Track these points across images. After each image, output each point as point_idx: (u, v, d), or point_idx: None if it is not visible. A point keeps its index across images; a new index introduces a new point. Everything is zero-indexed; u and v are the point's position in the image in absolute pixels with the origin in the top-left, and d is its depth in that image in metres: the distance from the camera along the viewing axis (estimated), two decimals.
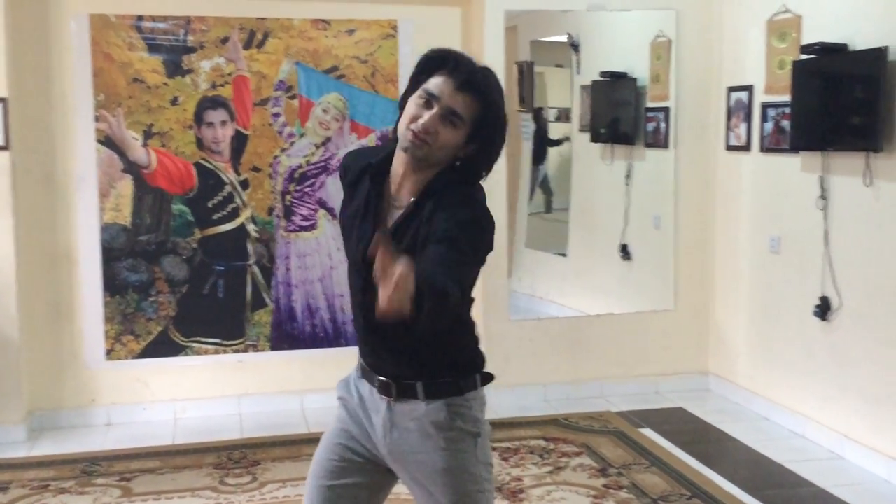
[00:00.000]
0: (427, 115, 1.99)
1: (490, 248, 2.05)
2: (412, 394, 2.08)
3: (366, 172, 2.11)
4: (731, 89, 5.08)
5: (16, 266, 4.51)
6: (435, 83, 2.02)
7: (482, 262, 2.03)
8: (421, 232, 1.98)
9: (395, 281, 1.66)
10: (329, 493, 2.16)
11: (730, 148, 5.13)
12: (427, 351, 2.08)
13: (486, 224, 2.01)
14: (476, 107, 2.02)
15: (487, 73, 2.08)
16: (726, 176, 5.21)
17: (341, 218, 2.19)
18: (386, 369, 2.11)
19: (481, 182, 2.13)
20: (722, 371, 5.32)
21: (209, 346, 4.93)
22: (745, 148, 4.98)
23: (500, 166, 5.01)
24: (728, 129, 5.13)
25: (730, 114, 5.10)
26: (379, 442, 2.14)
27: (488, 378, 2.17)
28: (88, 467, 4.21)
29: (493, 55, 4.99)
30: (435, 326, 1.90)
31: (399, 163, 2.07)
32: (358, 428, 2.18)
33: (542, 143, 6.64)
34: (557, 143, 6.48)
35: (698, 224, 5.38)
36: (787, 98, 4.55)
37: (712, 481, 4.02)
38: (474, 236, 1.97)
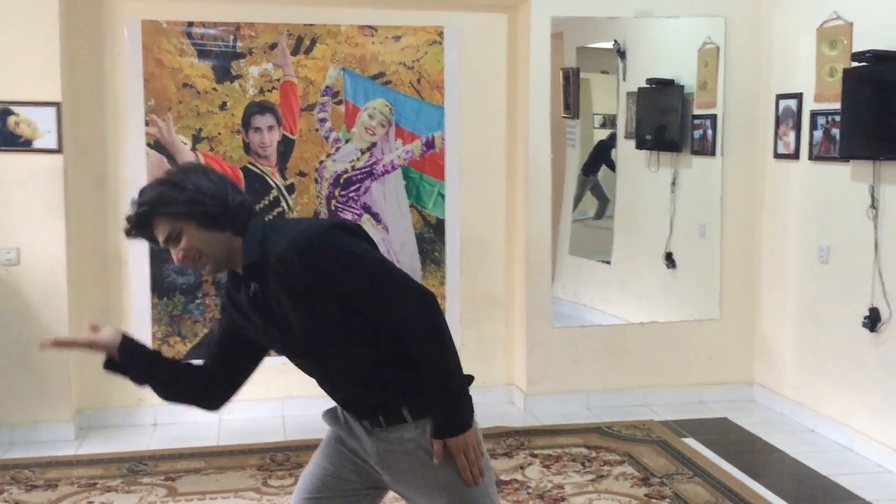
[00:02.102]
0: (174, 256, 2.09)
1: (360, 242, 2.10)
2: (399, 418, 2.12)
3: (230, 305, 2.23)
4: (780, 97, 5.02)
5: (67, 267, 4.60)
6: (156, 237, 2.11)
7: (376, 258, 2.09)
8: (285, 301, 2.06)
9: (473, 460, 2.07)
10: (317, 502, 2.20)
11: (778, 156, 5.07)
12: (395, 376, 2.10)
13: (335, 246, 2.04)
14: (160, 218, 2.06)
15: (140, 193, 2.12)
16: (774, 184, 5.15)
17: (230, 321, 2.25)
18: (365, 407, 2.16)
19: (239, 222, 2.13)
20: (768, 381, 5.26)
21: None
22: (794, 156, 4.92)
23: (544, 173, 5.04)
24: (776, 137, 5.07)
25: (778, 122, 5.04)
26: (373, 463, 2.18)
27: (468, 379, 2.15)
28: (135, 466, 4.27)
29: (538, 62, 4.99)
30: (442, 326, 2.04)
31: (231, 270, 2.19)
32: (350, 453, 2.22)
33: (602, 154, 6.60)
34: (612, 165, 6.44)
35: (745, 233, 5.32)
36: (837, 106, 4.49)
37: (757, 493, 3.96)
38: (340, 258, 2.03)
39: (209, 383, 2.24)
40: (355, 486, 2.22)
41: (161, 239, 2.08)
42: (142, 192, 2.09)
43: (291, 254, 2.00)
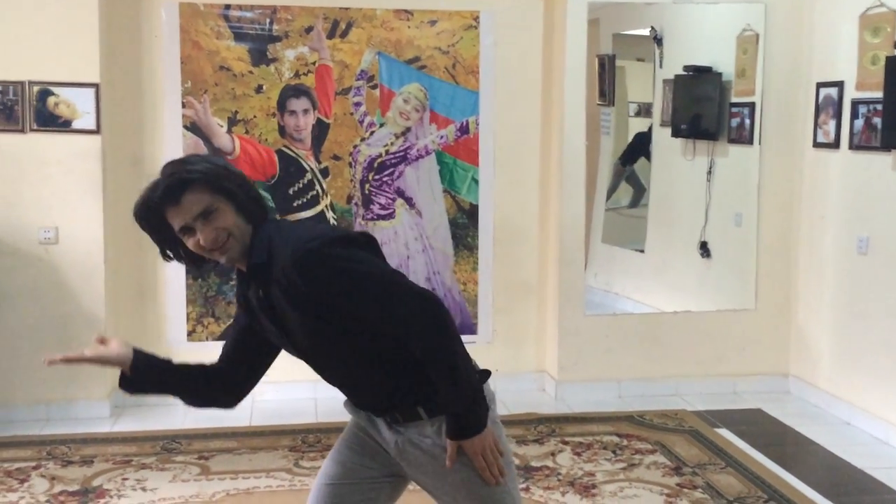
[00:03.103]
0: (200, 235, 2.00)
1: (355, 250, 2.05)
2: (415, 416, 2.10)
3: (241, 303, 2.18)
4: (821, 85, 4.95)
5: (104, 247, 4.65)
6: (171, 218, 2.02)
7: (373, 264, 2.05)
8: (289, 311, 2.02)
9: (492, 461, 2.05)
10: (339, 490, 2.20)
11: (817, 145, 5.00)
12: (405, 380, 2.08)
13: (329, 256, 1.99)
14: (197, 188, 2.01)
15: (173, 165, 2.07)
16: (813, 174, 5.08)
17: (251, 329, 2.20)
18: (379, 408, 2.15)
19: (267, 212, 2.13)
20: (803, 373, 5.20)
21: None
22: (834, 145, 4.85)
23: (579, 160, 5.01)
24: (816, 125, 5.00)
25: (818, 110, 4.97)
26: (393, 455, 2.17)
27: (485, 375, 2.13)
28: (168, 444, 4.32)
29: (575, 48, 4.95)
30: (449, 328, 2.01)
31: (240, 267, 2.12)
32: (371, 440, 2.21)
33: (641, 146, 6.55)
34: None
35: (782, 222, 5.26)
36: (879, 94, 4.42)
37: (790, 484, 3.93)
38: (350, 270, 1.99)
39: (226, 383, 2.23)
40: (377, 474, 2.22)
41: (195, 211, 1.98)
42: (185, 161, 2.04)
43: (291, 267, 1.96)
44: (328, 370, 2.18)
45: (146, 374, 2.15)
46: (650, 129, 6.45)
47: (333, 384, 2.21)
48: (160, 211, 2.01)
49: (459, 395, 2.01)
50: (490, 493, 2.10)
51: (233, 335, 2.25)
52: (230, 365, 2.23)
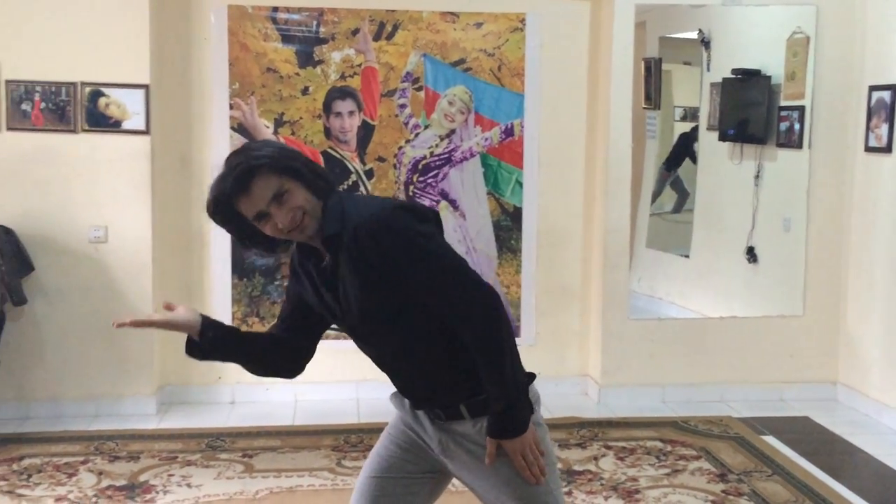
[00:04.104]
0: (278, 219, 2.00)
1: (428, 226, 2.06)
2: (457, 414, 2.11)
3: (298, 270, 2.19)
4: (873, 88, 4.86)
5: (152, 247, 4.71)
6: (244, 208, 2.02)
7: (441, 245, 2.05)
8: (351, 279, 2.03)
9: (532, 461, 2.04)
10: (383, 484, 2.21)
11: (869, 149, 4.92)
12: (451, 373, 2.09)
13: (401, 227, 2.00)
14: (265, 174, 2.01)
15: (237, 155, 2.06)
16: (864, 178, 5.00)
17: (305, 300, 2.21)
18: (421, 398, 2.16)
19: (329, 185, 2.12)
20: (852, 381, 5.11)
21: (330, 331, 5.00)
22: (886, 149, 4.76)
23: (624, 164, 4.98)
24: (868, 129, 4.91)
25: (870, 114, 4.89)
26: (436, 450, 2.18)
27: (531, 377, 2.13)
28: (213, 442, 4.36)
29: (621, 51, 4.93)
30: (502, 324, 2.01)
31: (314, 245, 2.12)
32: (416, 436, 2.22)
33: (685, 148, 6.50)
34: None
35: (832, 227, 5.18)
36: None
37: (838, 493, 3.86)
38: (415, 246, 2.00)
39: (287, 351, 2.25)
40: (420, 469, 2.22)
41: (267, 196, 1.99)
42: (246, 150, 2.05)
43: (363, 231, 1.98)
44: (376, 350, 2.18)
45: (213, 340, 2.16)
46: (694, 129, 6.40)
47: (378, 365, 2.21)
48: (232, 203, 2.02)
49: (504, 393, 2.01)
50: (532, 493, 2.09)
51: (288, 306, 2.25)
52: (289, 334, 2.24)
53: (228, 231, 2.11)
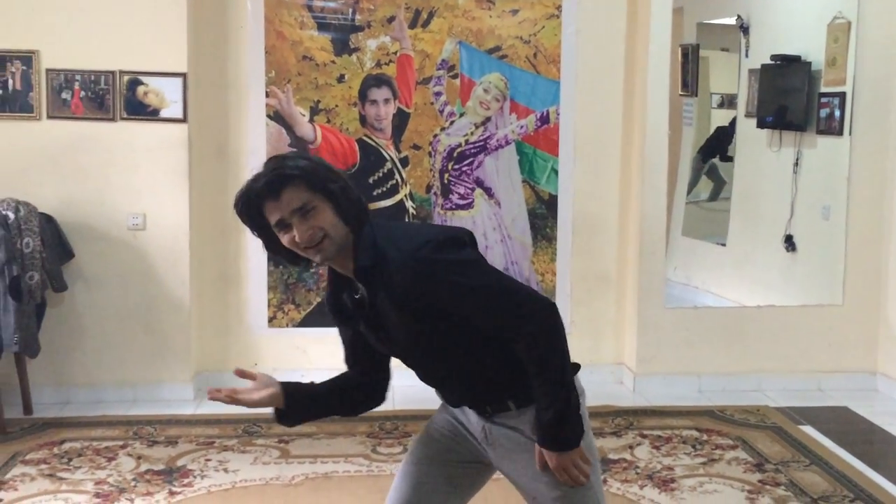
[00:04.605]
0: (296, 231, 1.99)
1: (466, 253, 2.04)
2: (504, 408, 2.11)
3: (334, 309, 2.17)
4: None
5: (189, 234, 4.75)
6: (269, 212, 2.01)
7: (482, 272, 2.03)
8: (394, 314, 2.02)
9: (576, 475, 2.04)
10: (427, 471, 2.22)
11: None
12: (499, 378, 2.09)
13: (439, 272, 1.98)
14: (297, 185, 1.99)
15: (276, 160, 2.06)
16: None
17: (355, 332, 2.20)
18: (468, 401, 2.16)
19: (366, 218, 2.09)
20: (892, 371, 5.04)
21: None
22: None
23: (661, 151, 4.94)
24: None
25: None
26: (479, 440, 2.19)
27: (575, 368, 2.13)
28: (250, 428, 4.40)
29: (658, 37, 4.87)
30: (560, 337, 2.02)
31: (333, 270, 2.11)
32: (460, 426, 2.23)
33: (720, 141, 6.45)
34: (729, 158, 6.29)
35: (873, 216, 5.10)
36: None
37: (878, 484, 3.81)
38: (461, 274, 1.99)
39: (365, 387, 2.26)
40: (463, 459, 2.24)
41: (293, 206, 1.98)
42: (285, 158, 2.05)
43: (399, 277, 1.97)
44: (423, 369, 2.19)
45: (300, 405, 2.18)
46: (732, 123, 6.33)
47: (426, 382, 2.22)
48: (259, 204, 2.01)
49: (554, 406, 2.01)
50: (574, 489, 2.09)
51: (347, 349, 2.25)
52: (359, 370, 2.25)
53: (251, 229, 2.09)
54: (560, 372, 2.01)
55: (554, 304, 2.05)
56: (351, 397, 2.26)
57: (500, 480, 2.30)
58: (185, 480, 3.80)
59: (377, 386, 2.26)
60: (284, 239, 2.02)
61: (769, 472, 3.94)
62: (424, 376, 2.21)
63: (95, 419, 4.49)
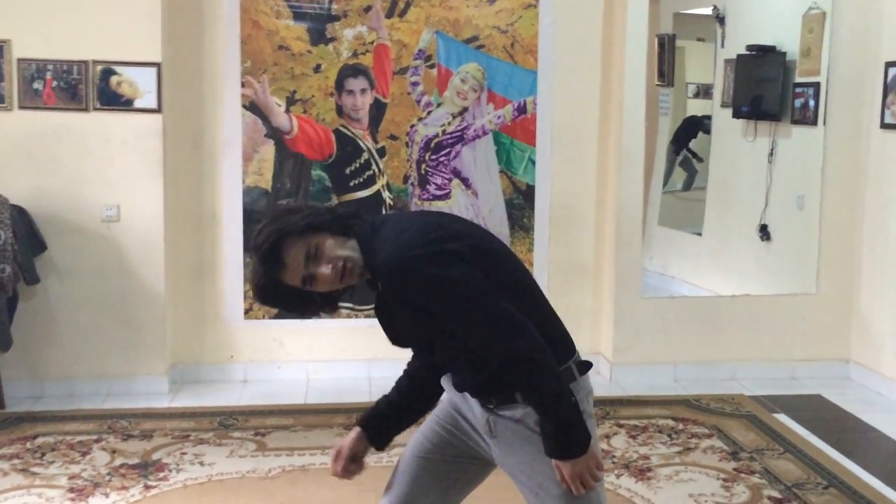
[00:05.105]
0: (323, 275, 2.04)
1: (452, 269, 2.02)
2: (511, 400, 2.10)
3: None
4: (890, 64, 4.81)
5: (164, 226, 4.71)
6: (290, 280, 2.05)
7: (468, 284, 2.01)
8: (397, 309, 2.08)
9: (590, 481, 2.03)
10: (426, 465, 2.22)
11: (885, 126, 4.87)
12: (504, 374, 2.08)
13: (431, 274, 1.99)
14: (288, 242, 2.04)
15: (257, 236, 2.09)
16: (880, 155, 4.95)
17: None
18: (477, 390, 2.15)
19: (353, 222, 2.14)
20: (864, 359, 5.10)
21: (342, 310, 5.03)
22: None
23: (638, 142, 4.94)
24: (884, 106, 4.86)
25: (886, 90, 4.84)
26: (483, 433, 2.18)
27: (586, 366, 2.13)
28: (226, 420, 4.38)
29: (635, 27, 4.88)
30: (551, 365, 2.01)
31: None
32: (463, 420, 2.22)
33: (689, 132, 6.48)
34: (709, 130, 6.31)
35: (846, 205, 5.14)
36: None
37: (851, 471, 3.86)
38: (450, 292, 2.00)
39: (432, 377, 2.28)
40: (463, 454, 2.23)
41: (301, 261, 2.03)
42: (259, 233, 2.08)
43: (387, 273, 2.03)
44: (430, 360, 2.23)
45: (387, 431, 2.27)
46: (704, 118, 6.37)
47: (442, 367, 2.23)
48: (276, 281, 2.06)
49: (552, 423, 2.01)
50: None
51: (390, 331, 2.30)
52: (420, 361, 2.29)
53: (289, 308, 2.16)
54: (542, 391, 1.99)
55: (532, 330, 2.00)
56: (422, 394, 2.30)
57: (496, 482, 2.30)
58: (161, 474, 3.78)
59: (439, 372, 2.28)
60: (319, 287, 2.07)
61: (744, 460, 3.97)
62: (435, 360, 2.22)
63: (69, 413, 4.45)
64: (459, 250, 2.03)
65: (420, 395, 2.30)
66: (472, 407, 2.18)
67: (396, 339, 2.20)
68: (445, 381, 2.27)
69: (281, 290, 2.08)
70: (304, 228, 2.05)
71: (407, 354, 2.31)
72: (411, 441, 2.28)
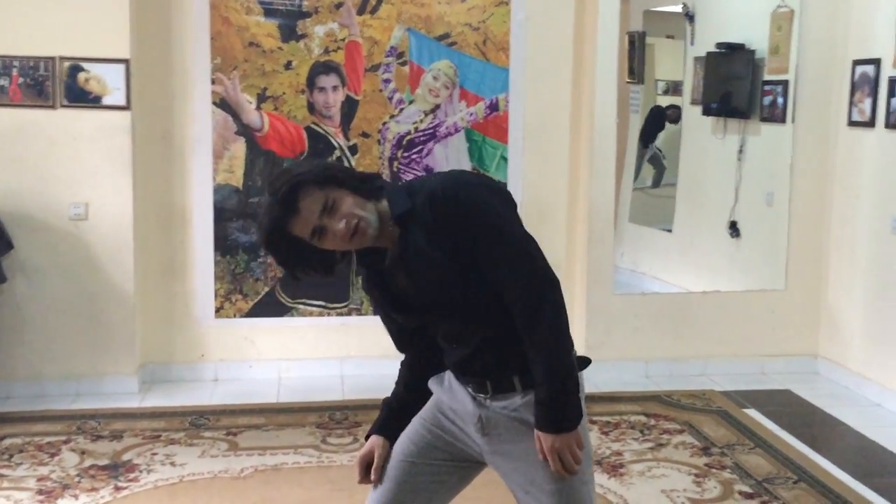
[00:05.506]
0: (334, 229, 2.00)
1: (497, 197, 2.08)
2: (509, 387, 2.09)
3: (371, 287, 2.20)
4: (857, 62, 4.87)
5: (133, 224, 4.66)
6: (299, 229, 2.01)
7: (513, 219, 2.08)
8: (427, 248, 2.03)
9: (570, 463, 2.02)
10: (411, 468, 2.20)
11: (852, 124, 4.93)
12: (515, 344, 2.06)
13: (467, 189, 2.04)
14: (307, 189, 2.01)
15: (277, 178, 2.07)
16: (847, 153, 5.01)
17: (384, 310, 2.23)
18: (477, 369, 2.13)
19: (377, 186, 2.12)
20: (832, 354, 5.15)
21: (314, 309, 5.01)
22: (870, 124, 4.77)
23: (609, 138, 4.96)
24: (851, 104, 4.92)
25: (854, 88, 4.89)
26: (475, 438, 2.15)
27: (585, 362, 2.12)
28: (197, 420, 4.35)
29: (607, 25, 4.89)
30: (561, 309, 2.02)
31: (360, 257, 2.14)
32: (449, 421, 2.20)
33: (655, 124, 6.51)
34: (675, 119, 6.34)
35: (814, 202, 5.20)
36: None
37: (820, 466, 3.90)
38: (486, 206, 2.02)
39: (429, 368, 2.27)
40: (450, 457, 2.21)
41: (316, 211, 1.98)
42: (279, 177, 2.05)
43: (440, 193, 2.01)
44: (447, 323, 2.14)
45: (399, 427, 2.26)
46: (669, 106, 6.41)
47: (444, 338, 2.18)
48: (285, 227, 2.01)
49: (548, 381, 1.99)
50: (571, 481, 2.06)
51: (391, 329, 2.27)
52: (416, 355, 2.27)
53: (286, 262, 2.09)
54: (554, 344, 2.00)
55: (558, 282, 2.04)
56: (423, 385, 2.28)
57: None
58: (131, 475, 3.74)
59: (437, 362, 2.26)
60: (327, 243, 2.02)
61: (715, 455, 4.00)
62: (444, 328, 2.16)
63: (37, 414, 4.40)
64: (503, 191, 2.12)
65: (425, 385, 2.28)
66: (463, 403, 2.16)
67: (403, 308, 2.13)
68: (433, 383, 2.25)
69: (286, 239, 2.02)
70: (326, 180, 2.01)
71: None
72: (397, 444, 2.25)
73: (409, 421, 2.26)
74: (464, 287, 2.05)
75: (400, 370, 2.32)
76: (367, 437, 2.29)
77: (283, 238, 2.02)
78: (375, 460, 2.22)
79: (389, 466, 2.23)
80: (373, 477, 2.22)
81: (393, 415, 2.27)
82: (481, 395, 2.13)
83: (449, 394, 2.20)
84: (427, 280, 2.07)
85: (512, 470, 2.12)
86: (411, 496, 2.20)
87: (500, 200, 2.07)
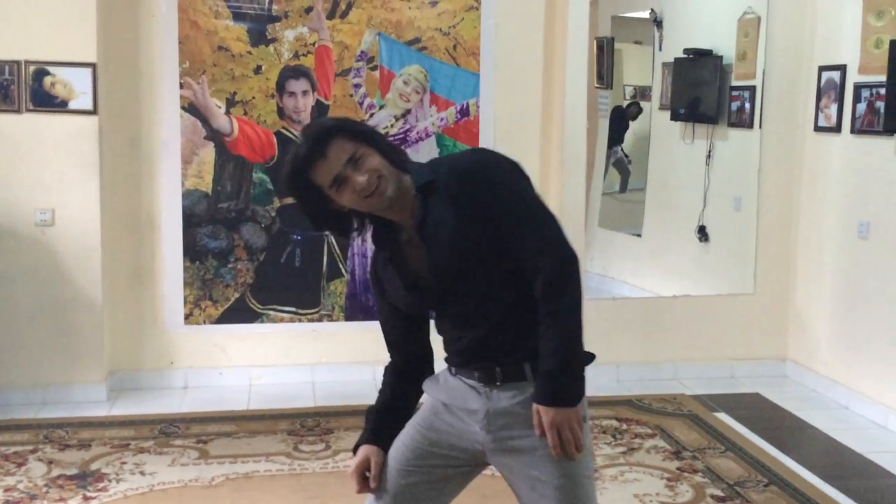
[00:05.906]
0: (355, 182, 1.99)
1: (521, 170, 2.13)
2: (520, 375, 2.07)
3: (379, 259, 2.19)
4: (823, 68, 4.93)
5: (101, 230, 4.60)
6: (321, 175, 2.01)
7: (536, 193, 2.11)
8: (448, 219, 2.04)
9: (568, 439, 2.00)
10: (408, 476, 2.17)
11: (819, 129, 4.99)
12: (529, 328, 2.04)
13: (495, 161, 2.09)
14: (340, 137, 2.02)
15: (312, 123, 2.15)
16: (814, 158, 5.07)
17: (386, 303, 2.21)
18: (488, 354, 2.10)
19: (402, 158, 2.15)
20: (801, 358, 5.21)
21: (285, 315, 4.98)
22: (836, 129, 4.83)
23: (580, 143, 4.98)
24: (818, 109, 4.98)
25: (820, 94, 4.95)
26: (476, 435, 2.12)
27: (589, 357, 2.12)
28: (167, 428, 4.30)
29: (576, 31, 4.91)
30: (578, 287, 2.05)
31: (377, 230, 2.14)
32: (446, 424, 2.17)
33: (619, 123, 6.56)
34: (636, 115, 6.39)
35: (782, 206, 5.25)
36: (882, 78, 4.40)
37: (789, 468, 3.93)
38: (513, 180, 2.06)
39: (420, 369, 2.26)
40: (446, 462, 2.18)
41: (342, 159, 1.98)
42: (313, 123, 2.10)
43: (466, 164, 2.07)
44: (460, 304, 2.10)
45: (390, 434, 2.24)
46: (629, 105, 6.47)
47: (455, 322, 2.14)
48: (308, 169, 2.00)
49: (558, 353, 1.99)
50: (575, 473, 2.05)
51: (387, 328, 2.26)
52: (406, 355, 2.26)
53: (303, 206, 2.07)
54: (570, 318, 2.01)
55: (577, 257, 2.06)
56: (413, 387, 2.27)
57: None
58: (100, 485, 3.69)
59: (426, 365, 2.27)
60: (344, 196, 2.01)
61: (687, 459, 4.03)
62: (458, 309, 2.11)
63: (3, 423, 4.32)
64: (523, 168, 2.14)
65: (413, 389, 2.27)
66: (464, 400, 2.13)
67: (416, 287, 2.10)
68: (428, 384, 2.23)
69: (305, 183, 2.02)
70: (361, 134, 2.03)
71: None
72: (392, 452, 2.21)
73: (399, 428, 2.23)
74: (481, 260, 2.05)
75: (384, 378, 2.30)
76: (354, 450, 2.25)
77: (302, 181, 2.02)
78: (373, 468, 2.19)
79: (387, 474, 2.19)
80: (373, 485, 2.18)
81: (383, 422, 2.25)
82: (489, 386, 2.09)
83: (447, 392, 2.17)
84: (446, 251, 2.05)
85: (518, 465, 2.09)
86: (409, 503, 2.17)
87: (522, 176, 2.11)
